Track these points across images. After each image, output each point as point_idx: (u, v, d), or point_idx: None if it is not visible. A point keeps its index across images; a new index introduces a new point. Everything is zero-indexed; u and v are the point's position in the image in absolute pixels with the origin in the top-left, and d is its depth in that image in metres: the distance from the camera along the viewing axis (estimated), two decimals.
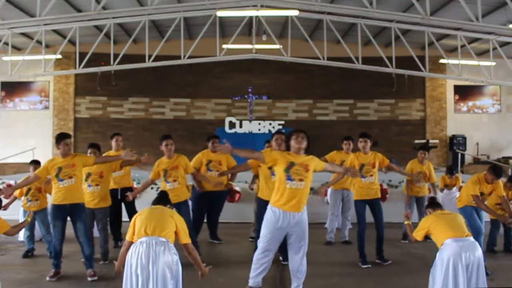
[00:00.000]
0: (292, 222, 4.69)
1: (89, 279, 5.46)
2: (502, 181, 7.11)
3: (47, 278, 5.44)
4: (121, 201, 7.21)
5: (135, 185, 8.38)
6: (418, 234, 4.54)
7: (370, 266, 6.15)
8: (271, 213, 4.77)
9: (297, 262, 4.81)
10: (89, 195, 6.30)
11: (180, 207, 6.23)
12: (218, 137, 7.52)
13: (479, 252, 4.26)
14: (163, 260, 3.82)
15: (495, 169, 6.20)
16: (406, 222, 4.87)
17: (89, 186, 6.34)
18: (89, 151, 6.61)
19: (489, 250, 6.94)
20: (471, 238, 4.34)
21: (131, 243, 4.01)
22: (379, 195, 6.56)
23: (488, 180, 6.15)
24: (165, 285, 3.81)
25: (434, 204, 4.77)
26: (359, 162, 6.45)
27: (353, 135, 8.22)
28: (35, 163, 6.89)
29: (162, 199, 4.44)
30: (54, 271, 5.54)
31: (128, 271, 3.86)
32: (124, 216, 7.26)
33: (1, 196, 6.22)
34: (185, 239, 4.09)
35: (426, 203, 7.66)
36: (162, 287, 3.80)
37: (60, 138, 5.63)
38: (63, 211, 5.54)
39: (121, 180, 7.29)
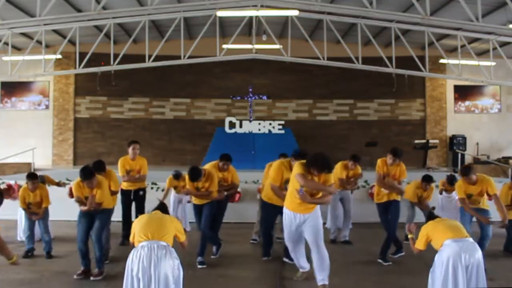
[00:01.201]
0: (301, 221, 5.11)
1: (91, 278, 5.48)
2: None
3: (75, 276, 5.49)
4: (133, 200, 7.48)
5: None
6: (419, 244, 4.50)
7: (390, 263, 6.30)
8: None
9: (315, 256, 5.08)
10: None
11: (202, 210, 6.41)
12: (230, 159, 7.40)
13: (478, 253, 4.23)
14: (165, 264, 3.82)
15: (463, 169, 6.36)
16: (409, 236, 4.75)
17: None
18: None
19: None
20: (471, 239, 4.32)
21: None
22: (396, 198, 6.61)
23: (468, 181, 6.12)
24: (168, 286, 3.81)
25: (432, 217, 4.73)
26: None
27: (353, 135, 8.27)
28: (32, 177, 6.83)
29: (161, 209, 4.46)
30: (83, 269, 5.59)
31: (129, 275, 3.84)
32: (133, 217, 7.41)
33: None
34: (182, 238, 4.28)
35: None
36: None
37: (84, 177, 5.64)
38: (87, 212, 5.66)
39: (135, 182, 7.52)
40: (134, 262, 3.83)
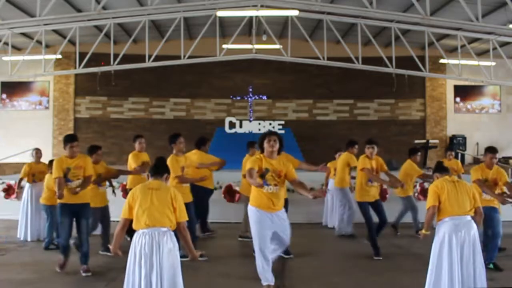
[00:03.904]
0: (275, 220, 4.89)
1: (83, 274, 5.58)
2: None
3: (57, 269, 5.63)
4: None
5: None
6: (429, 201, 4.49)
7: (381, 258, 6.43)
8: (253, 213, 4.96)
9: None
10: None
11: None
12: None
13: (474, 230, 4.36)
14: (167, 248, 3.85)
15: (489, 148, 6.30)
16: (425, 232, 4.66)
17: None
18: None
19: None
20: (468, 217, 4.41)
21: (126, 220, 3.96)
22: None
23: (487, 162, 6.17)
24: (169, 273, 3.82)
25: (441, 168, 4.75)
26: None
27: (353, 135, 8.29)
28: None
29: (160, 167, 4.26)
30: (63, 260, 5.72)
31: (132, 261, 3.86)
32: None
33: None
34: (180, 217, 4.00)
35: None
36: (166, 276, 3.81)
37: (66, 141, 5.76)
38: (70, 210, 5.67)
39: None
40: (136, 249, 3.85)
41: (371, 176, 6.76)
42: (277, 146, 4.89)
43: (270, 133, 5.01)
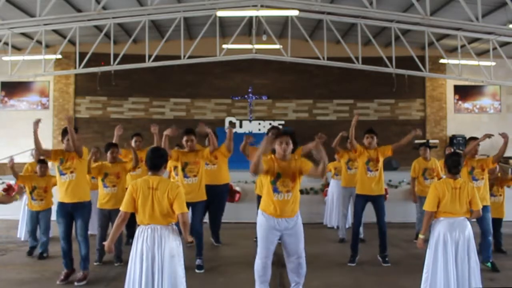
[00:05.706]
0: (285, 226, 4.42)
1: (75, 283, 5.21)
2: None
3: (58, 282, 5.24)
4: None
5: None
6: (428, 206, 4.44)
7: (354, 265, 6.25)
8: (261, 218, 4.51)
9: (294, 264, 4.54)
10: (105, 196, 6.18)
11: (194, 208, 5.93)
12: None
13: (468, 229, 4.39)
14: (169, 242, 3.84)
15: (471, 137, 6.82)
16: (421, 237, 4.57)
17: (106, 186, 6.21)
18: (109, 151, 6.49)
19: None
20: (462, 217, 4.42)
21: (127, 214, 3.92)
22: (383, 192, 6.50)
23: (472, 152, 6.59)
24: (170, 267, 3.81)
25: (454, 164, 4.55)
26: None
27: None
28: (42, 162, 6.82)
29: (156, 160, 4.06)
30: (65, 272, 5.36)
31: (134, 254, 3.86)
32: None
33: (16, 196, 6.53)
34: (178, 209, 3.86)
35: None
36: (168, 269, 3.80)
37: (65, 133, 5.55)
38: (66, 210, 5.34)
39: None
40: (138, 242, 3.85)
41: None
42: (290, 148, 4.40)
43: (282, 133, 4.48)
